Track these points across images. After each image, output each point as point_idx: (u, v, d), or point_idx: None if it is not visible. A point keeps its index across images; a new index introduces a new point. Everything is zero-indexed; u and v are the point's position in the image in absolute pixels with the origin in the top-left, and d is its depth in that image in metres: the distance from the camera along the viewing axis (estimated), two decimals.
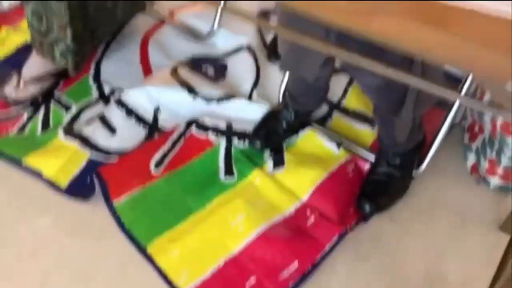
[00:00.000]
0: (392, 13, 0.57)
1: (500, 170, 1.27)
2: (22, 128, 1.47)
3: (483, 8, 0.52)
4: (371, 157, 1.35)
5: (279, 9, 1.11)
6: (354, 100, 1.53)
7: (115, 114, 1.45)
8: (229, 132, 1.43)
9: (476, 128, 1.36)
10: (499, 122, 1.19)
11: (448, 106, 1.30)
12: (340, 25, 0.62)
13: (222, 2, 1.68)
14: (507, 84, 0.53)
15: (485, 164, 1.30)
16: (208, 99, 1.50)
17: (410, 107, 1.06)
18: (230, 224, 1.24)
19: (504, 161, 1.24)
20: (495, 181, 1.30)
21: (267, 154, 1.39)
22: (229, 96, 1.51)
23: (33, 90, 1.53)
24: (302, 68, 1.15)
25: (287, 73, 1.45)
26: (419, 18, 0.56)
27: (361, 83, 1.11)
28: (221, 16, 1.72)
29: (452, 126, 1.42)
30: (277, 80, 1.54)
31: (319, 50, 0.95)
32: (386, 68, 0.72)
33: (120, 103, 1.47)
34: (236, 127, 1.44)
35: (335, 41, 0.90)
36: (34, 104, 1.53)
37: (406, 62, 0.94)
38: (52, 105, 1.52)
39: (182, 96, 1.50)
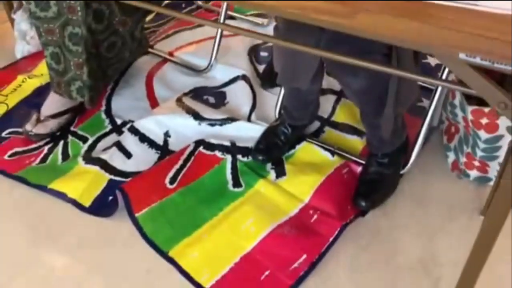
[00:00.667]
0: (371, 11, 0.75)
1: (476, 163, 1.44)
2: (44, 159, 1.61)
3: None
4: (362, 162, 1.51)
5: (276, 26, 1.29)
6: (342, 115, 1.71)
7: (129, 141, 1.61)
8: (233, 149, 1.58)
9: (452, 129, 1.54)
10: (470, 118, 1.37)
11: (425, 112, 1.49)
12: (326, 25, 0.79)
13: (218, 38, 1.89)
14: (460, 54, 0.71)
15: (463, 159, 1.47)
16: (212, 123, 1.67)
17: (391, 106, 1.23)
18: (241, 227, 1.38)
19: (479, 153, 1.41)
20: (473, 173, 1.47)
21: (269, 166, 1.54)
22: (230, 119, 1.68)
23: (51, 126, 1.69)
24: (296, 79, 1.33)
25: (282, 94, 1.63)
26: (395, 13, 0.74)
27: (346, 88, 1.28)
28: (217, 51, 1.92)
29: (431, 131, 1.61)
30: (272, 104, 1.72)
31: (311, 53, 1.13)
32: (369, 63, 0.89)
33: (133, 131, 1.63)
34: (240, 144, 1.60)
35: (324, 48, 1.09)
36: (53, 138, 1.68)
37: (385, 62, 1.12)
38: (70, 138, 1.68)
39: (188, 121, 1.66)
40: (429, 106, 1.47)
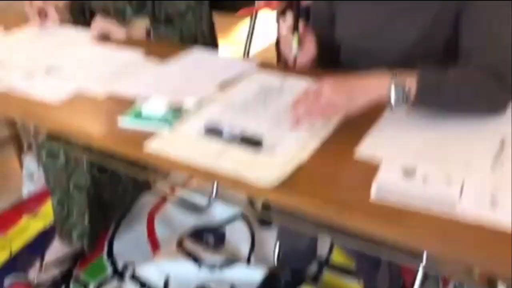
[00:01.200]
0: (362, 211, 0.82)
1: None
2: None
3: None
4: None
5: None
6: (339, 256, 1.75)
7: None
8: None
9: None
10: None
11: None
12: (321, 218, 0.86)
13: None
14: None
15: None
16: (211, 267, 1.70)
17: (385, 265, 1.28)
18: None
19: None
20: None
21: None
22: (230, 261, 1.71)
23: (54, 272, 1.71)
24: (296, 240, 1.40)
25: (278, 241, 1.68)
26: (381, 215, 0.81)
27: (343, 248, 1.34)
28: (217, 189, 1.99)
29: (426, 276, 1.63)
30: (271, 243, 1.76)
31: (310, 232, 1.20)
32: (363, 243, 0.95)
33: (134, 278, 1.66)
34: None
35: None
36: (55, 285, 1.70)
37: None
38: (72, 285, 1.69)
39: (188, 266, 1.70)
40: (423, 254, 1.51)
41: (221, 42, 1.78)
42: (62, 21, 1.67)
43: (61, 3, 1.75)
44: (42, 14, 1.65)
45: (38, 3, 1.64)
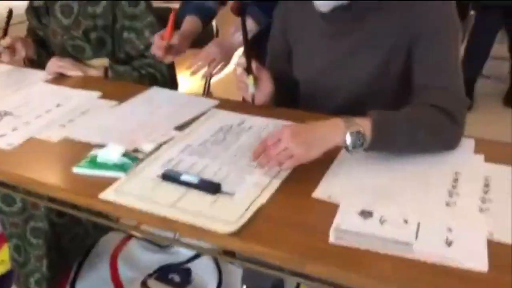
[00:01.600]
0: (320, 259, 0.81)
1: None
2: None
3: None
4: None
5: None
6: None
7: None
8: None
9: None
10: None
11: None
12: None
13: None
14: None
15: None
16: None
17: None
18: None
19: None
20: None
21: None
22: None
23: None
24: (262, 278, 1.38)
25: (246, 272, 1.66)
26: (339, 260, 0.80)
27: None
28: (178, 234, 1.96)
29: None
30: (238, 279, 1.74)
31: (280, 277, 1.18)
32: None
33: None
34: None
35: None
36: None
37: None
38: None
39: None
40: None
41: (181, 75, 1.77)
42: (30, 56, 1.66)
43: (29, 39, 1.73)
44: (11, 50, 1.62)
45: (7, 40, 1.62)
